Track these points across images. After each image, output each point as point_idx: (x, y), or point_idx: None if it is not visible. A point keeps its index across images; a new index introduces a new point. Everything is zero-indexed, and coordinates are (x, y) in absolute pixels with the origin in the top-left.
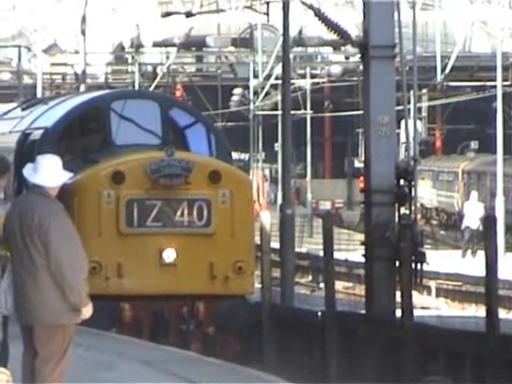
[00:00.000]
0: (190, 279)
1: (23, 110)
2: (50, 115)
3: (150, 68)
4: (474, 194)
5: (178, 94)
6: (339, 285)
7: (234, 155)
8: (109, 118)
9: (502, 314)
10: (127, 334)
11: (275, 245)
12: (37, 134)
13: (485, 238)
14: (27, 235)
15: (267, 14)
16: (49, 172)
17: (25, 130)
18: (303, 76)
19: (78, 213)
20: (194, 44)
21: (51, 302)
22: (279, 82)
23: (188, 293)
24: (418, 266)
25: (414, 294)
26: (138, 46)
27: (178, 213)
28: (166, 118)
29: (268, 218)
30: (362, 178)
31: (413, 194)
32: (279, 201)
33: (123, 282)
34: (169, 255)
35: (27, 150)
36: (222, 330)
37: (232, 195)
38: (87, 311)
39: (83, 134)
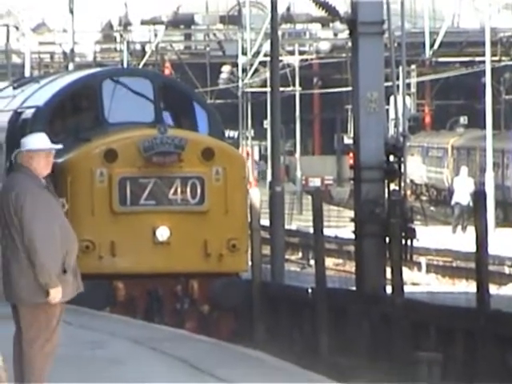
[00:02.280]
0: (184, 257)
1: (15, 88)
2: (41, 94)
3: (138, 46)
4: (464, 170)
5: (166, 71)
6: (329, 261)
7: None
8: (101, 96)
9: (493, 289)
10: (121, 313)
11: (265, 222)
12: (29, 113)
13: (475, 214)
14: (7, 213)
15: None
16: (37, 137)
17: (16, 109)
18: (292, 53)
19: (70, 191)
20: (182, 22)
21: (31, 281)
22: (268, 59)
23: (182, 271)
24: (408, 242)
25: (405, 270)
26: (126, 25)
27: (172, 191)
28: (159, 95)
29: (258, 195)
30: (351, 155)
31: (402, 170)
32: (269, 178)
33: (116, 260)
34: (162, 233)
35: (19, 128)
36: (216, 308)
37: (225, 172)
38: (56, 293)
39: (75, 113)
